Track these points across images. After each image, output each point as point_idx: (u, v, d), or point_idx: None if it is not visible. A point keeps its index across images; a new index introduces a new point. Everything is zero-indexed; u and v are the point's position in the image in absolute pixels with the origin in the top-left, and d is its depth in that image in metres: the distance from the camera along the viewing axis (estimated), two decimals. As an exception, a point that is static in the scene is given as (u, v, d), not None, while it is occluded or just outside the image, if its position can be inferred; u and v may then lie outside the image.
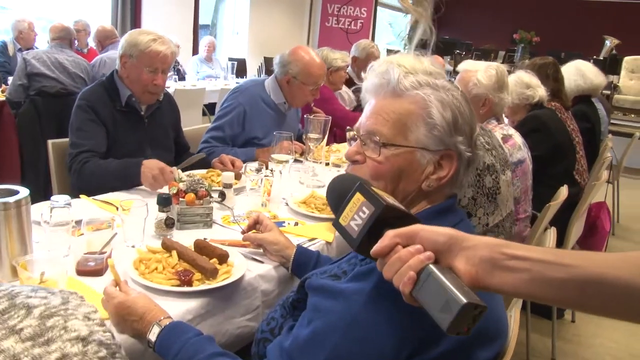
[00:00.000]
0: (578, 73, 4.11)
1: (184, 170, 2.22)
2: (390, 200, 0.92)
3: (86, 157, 2.30)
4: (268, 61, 8.28)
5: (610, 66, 8.78)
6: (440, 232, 0.84)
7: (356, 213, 0.91)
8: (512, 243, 0.82)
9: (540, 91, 3.04)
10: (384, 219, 0.88)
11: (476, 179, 1.78)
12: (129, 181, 2.21)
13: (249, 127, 2.93)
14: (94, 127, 2.38)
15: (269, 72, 7.52)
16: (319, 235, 1.91)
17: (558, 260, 0.76)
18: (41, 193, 3.85)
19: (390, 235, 0.86)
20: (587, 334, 3.33)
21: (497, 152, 1.88)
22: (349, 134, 1.38)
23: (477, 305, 0.77)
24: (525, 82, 3.05)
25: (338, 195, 1.00)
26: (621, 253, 0.75)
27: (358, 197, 0.92)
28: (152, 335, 1.17)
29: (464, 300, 0.76)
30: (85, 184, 2.22)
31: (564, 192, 2.59)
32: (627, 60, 9.05)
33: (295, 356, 1.00)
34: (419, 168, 1.12)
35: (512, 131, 2.40)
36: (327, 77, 3.84)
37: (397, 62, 1.73)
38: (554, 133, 3.24)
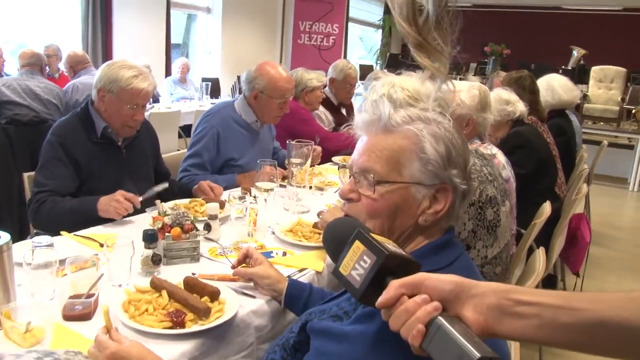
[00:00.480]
0: (549, 89, 4.18)
1: (147, 202, 2.20)
2: (391, 246, 0.90)
3: (44, 197, 2.24)
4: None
5: (579, 76, 8.97)
6: (446, 281, 0.82)
7: (357, 262, 0.88)
8: (519, 288, 0.81)
9: (520, 106, 3.07)
10: (386, 267, 0.86)
11: (477, 211, 1.76)
12: (84, 216, 2.14)
13: (224, 149, 2.90)
14: (59, 166, 2.30)
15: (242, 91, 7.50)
16: (308, 265, 1.88)
17: (567, 304, 0.75)
18: (16, 227, 3.76)
19: (395, 286, 0.83)
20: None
21: (498, 182, 1.88)
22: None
23: (491, 358, 0.75)
24: (504, 99, 3.08)
25: (336, 241, 0.98)
26: (628, 294, 0.74)
27: (358, 246, 0.89)
28: None
29: (477, 355, 0.74)
30: (41, 223, 2.17)
31: (547, 209, 2.61)
32: (595, 70, 9.26)
33: None
34: (415, 203, 1.11)
35: (495, 150, 2.41)
36: (303, 98, 3.83)
37: (401, 86, 1.72)
38: (538, 149, 3.29)
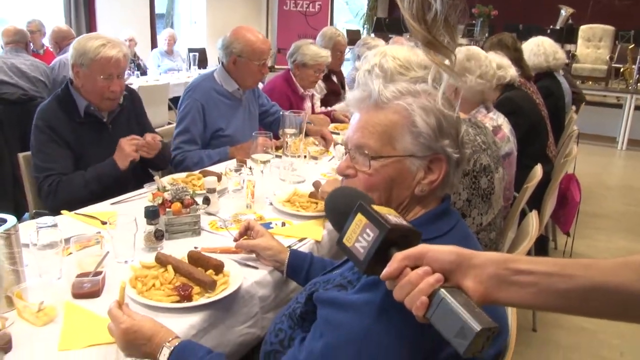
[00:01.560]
0: (537, 53, 4.19)
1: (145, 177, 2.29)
2: (393, 218, 0.92)
3: (54, 179, 2.25)
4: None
5: (567, 36, 8.95)
6: (447, 252, 0.86)
7: (360, 235, 0.91)
8: (516, 257, 0.85)
9: (512, 71, 3.08)
10: (389, 239, 0.89)
11: (472, 181, 1.79)
12: (108, 177, 2.26)
13: (210, 121, 2.91)
14: (55, 148, 2.30)
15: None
16: (308, 235, 1.91)
17: (562, 271, 0.79)
18: (11, 206, 3.76)
19: (398, 259, 0.87)
20: (565, 302, 3.43)
21: (492, 150, 1.90)
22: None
23: (490, 327, 0.79)
24: (496, 63, 3.09)
25: (338, 212, 1.01)
26: (621, 259, 0.78)
27: (360, 219, 0.92)
28: (163, 357, 1.17)
29: (478, 328, 0.78)
30: (63, 202, 2.16)
31: (538, 171, 2.65)
32: (583, 29, 9.23)
33: None
34: (410, 175, 1.15)
35: (501, 120, 2.43)
36: (295, 71, 3.78)
37: (392, 55, 1.74)
38: (528, 114, 3.31)
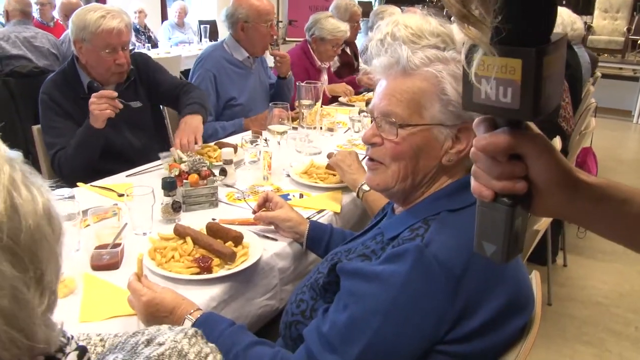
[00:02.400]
0: (556, 21, 4.08)
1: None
2: None
3: (62, 154, 2.22)
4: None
5: (584, 6, 8.76)
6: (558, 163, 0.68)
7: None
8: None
9: None
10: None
11: None
12: (91, 140, 2.15)
13: (222, 91, 2.90)
14: (62, 121, 2.25)
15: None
16: (326, 206, 1.89)
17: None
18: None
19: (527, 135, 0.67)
20: (579, 276, 3.43)
21: None
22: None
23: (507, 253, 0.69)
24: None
25: None
26: None
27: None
28: None
29: (503, 260, 0.69)
30: (69, 178, 2.14)
31: (557, 144, 2.60)
32: (600, 0, 9.04)
33: (336, 342, 1.00)
34: (438, 144, 1.11)
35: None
36: (312, 44, 3.72)
37: (404, 23, 1.69)
38: None
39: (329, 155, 2.25)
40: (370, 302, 0.99)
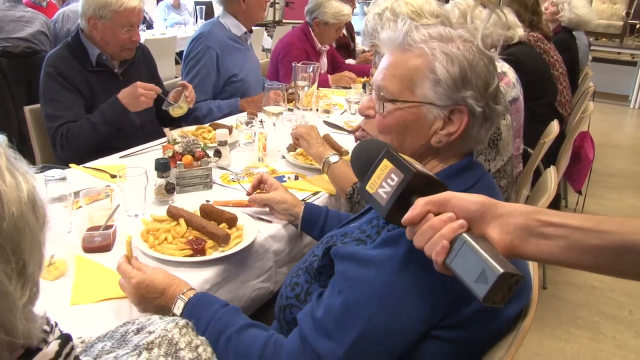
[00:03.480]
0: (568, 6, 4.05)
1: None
2: (419, 166, 0.89)
3: (65, 128, 2.21)
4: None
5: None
6: (472, 200, 0.81)
7: (384, 180, 0.88)
8: (546, 210, 0.80)
9: (520, 31, 2.94)
10: (413, 186, 0.86)
11: None
12: (115, 120, 2.21)
13: (224, 69, 2.86)
14: (68, 95, 2.25)
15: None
16: (322, 188, 1.87)
17: (595, 227, 0.74)
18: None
19: (421, 204, 0.83)
20: (575, 261, 3.42)
21: None
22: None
23: (514, 274, 0.75)
24: (502, 23, 2.95)
25: (363, 161, 0.98)
26: None
27: (385, 164, 0.89)
28: (177, 310, 1.15)
29: (501, 270, 0.74)
30: (76, 152, 2.14)
31: (555, 127, 2.58)
32: (600, -17, 8.96)
33: (330, 328, 0.98)
34: (426, 123, 1.09)
35: (506, 67, 2.35)
36: (314, 28, 3.67)
37: (405, 1, 1.67)
38: (528, 71, 3.18)
39: (324, 137, 2.22)
40: (365, 287, 0.97)
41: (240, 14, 2.90)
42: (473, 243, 0.77)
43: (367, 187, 0.90)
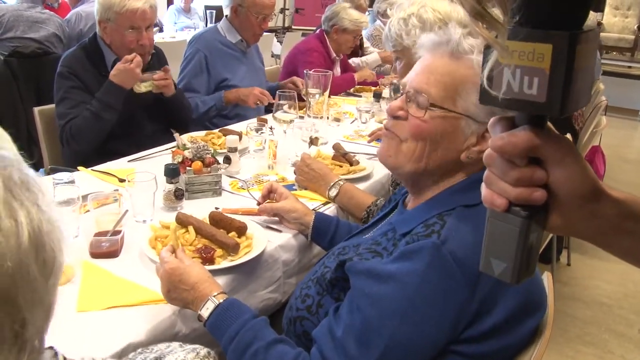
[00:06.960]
0: None
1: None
2: None
3: (71, 124, 2.20)
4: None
5: (595, 3, 8.66)
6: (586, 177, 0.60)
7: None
8: None
9: None
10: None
11: None
12: (115, 101, 2.19)
13: (214, 71, 2.91)
14: (80, 94, 2.24)
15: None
16: (332, 199, 1.85)
17: None
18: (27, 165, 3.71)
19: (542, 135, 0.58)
20: (583, 276, 3.39)
21: None
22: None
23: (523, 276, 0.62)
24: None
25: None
26: None
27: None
28: (205, 311, 1.13)
29: (513, 281, 0.61)
30: (82, 145, 2.14)
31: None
32: (611, -4, 8.93)
33: (351, 347, 0.96)
34: (462, 137, 1.07)
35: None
36: (333, 36, 3.68)
37: (432, 7, 1.65)
38: None
39: (335, 147, 2.21)
40: (385, 304, 0.95)
41: (234, 22, 2.96)
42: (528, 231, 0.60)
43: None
